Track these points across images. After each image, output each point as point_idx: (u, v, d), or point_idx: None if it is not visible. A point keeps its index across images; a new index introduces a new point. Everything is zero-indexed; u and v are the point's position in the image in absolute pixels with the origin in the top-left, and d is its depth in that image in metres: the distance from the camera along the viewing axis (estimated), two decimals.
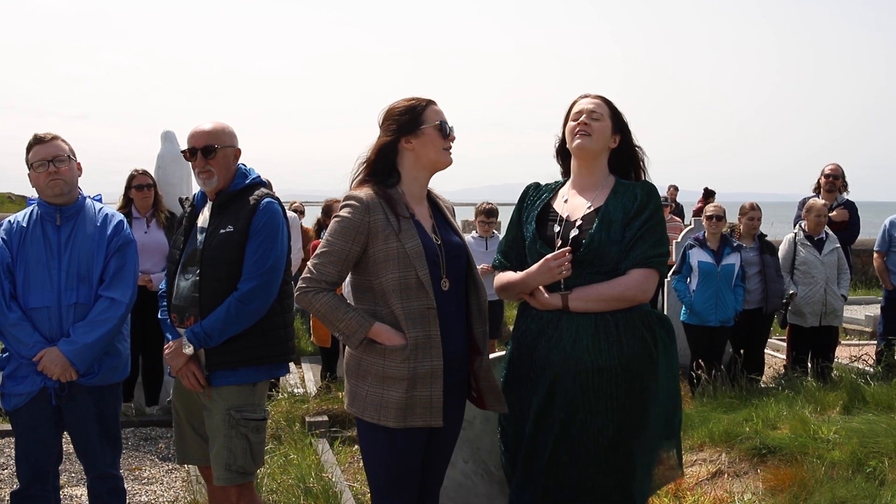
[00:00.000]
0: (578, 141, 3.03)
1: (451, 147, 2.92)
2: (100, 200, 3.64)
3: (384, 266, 2.75)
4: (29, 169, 3.46)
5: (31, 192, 3.57)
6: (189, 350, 3.15)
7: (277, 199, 3.32)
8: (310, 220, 9.05)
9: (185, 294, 3.20)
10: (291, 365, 8.05)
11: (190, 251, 3.25)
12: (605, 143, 3.06)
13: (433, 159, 2.88)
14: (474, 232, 7.57)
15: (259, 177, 3.35)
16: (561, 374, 2.93)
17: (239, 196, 3.24)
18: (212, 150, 3.22)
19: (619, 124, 3.08)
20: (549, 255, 2.95)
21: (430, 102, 2.90)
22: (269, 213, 3.19)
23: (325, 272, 2.77)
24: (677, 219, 11.56)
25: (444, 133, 2.87)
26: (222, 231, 3.17)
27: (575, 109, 3.09)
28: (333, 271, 2.77)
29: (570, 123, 3.08)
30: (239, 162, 3.34)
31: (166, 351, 3.26)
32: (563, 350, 2.94)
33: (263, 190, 3.29)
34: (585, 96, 3.12)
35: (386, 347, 2.74)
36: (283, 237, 3.23)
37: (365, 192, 2.79)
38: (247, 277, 3.12)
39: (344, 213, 2.79)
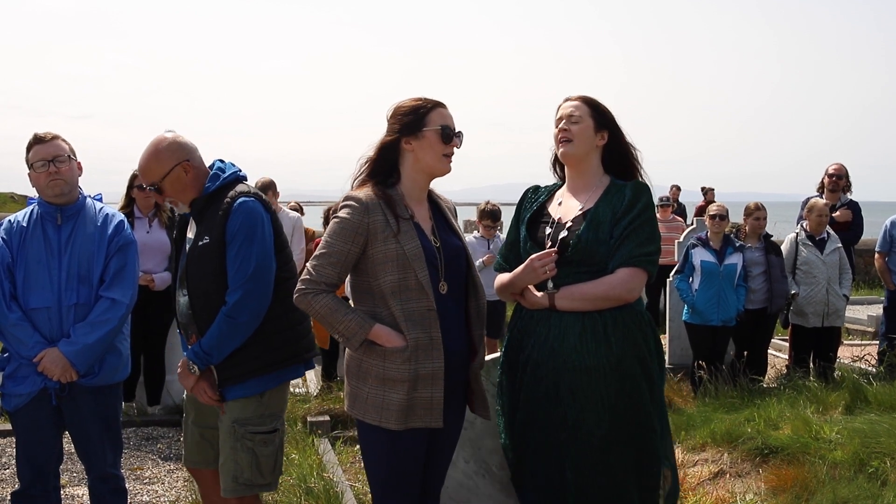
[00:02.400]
0: (562, 149, 3.04)
1: (451, 154, 2.85)
2: (100, 200, 3.62)
3: (383, 268, 2.73)
4: (29, 169, 3.45)
5: (33, 192, 3.56)
6: (195, 371, 3.07)
7: (256, 194, 3.12)
8: (308, 221, 9.05)
9: (184, 311, 3.14)
10: None
11: (182, 266, 3.16)
12: (589, 143, 3.03)
13: (430, 164, 2.84)
14: (476, 232, 7.55)
15: (236, 172, 3.18)
16: (549, 373, 2.92)
17: (213, 200, 3.09)
18: (156, 187, 3.11)
19: (602, 121, 3.04)
20: (533, 256, 2.95)
21: (438, 105, 2.85)
22: (243, 215, 3.01)
23: (324, 273, 2.74)
24: (679, 219, 11.53)
25: (446, 138, 2.82)
26: (200, 244, 3.05)
27: (557, 116, 3.08)
28: (333, 272, 2.75)
29: (554, 131, 3.07)
30: (216, 159, 3.21)
31: (178, 370, 3.16)
32: (550, 349, 2.93)
33: (238, 188, 3.10)
34: (567, 100, 3.09)
35: (386, 349, 2.72)
36: (262, 237, 3.04)
37: (364, 193, 2.77)
38: (231, 289, 2.99)
39: (343, 213, 2.77)
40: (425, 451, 2.84)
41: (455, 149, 2.87)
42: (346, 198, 2.80)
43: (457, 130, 2.86)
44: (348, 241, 2.74)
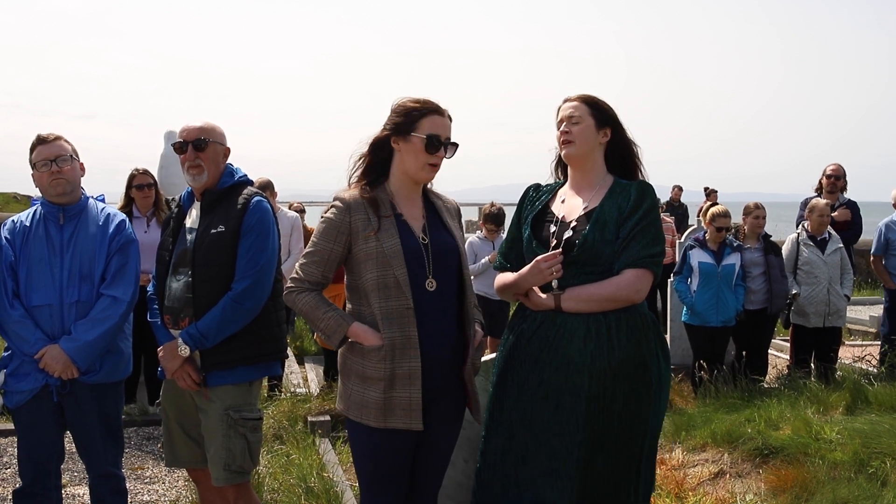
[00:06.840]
0: (564, 150, 3.04)
1: (437, 164, 2.83)
2: (103, 200, 3.66)
3: (364, 265, 2.76)
4: (32, 169, 3.49)
5: (37, 192, 3.58)
6: (185, 352, 3.16)
7: (266, 196, 3.33)
8: (310, 221, 9.07)
9: (179, 295, 3.20)
10: (295, 365, 8.08)
11: (180, 252, 3.24)
12: (592, 143, 3.02)
13: (411, 170, 2.83)
14: (480, 232, 7.53)
15: (246, 175, 3.37)
16: (551, 374, 2.91)
17: (227, 195, 3.26)
18: (202, 143, 3.23)
19: (603, 119, 3.03)
20: (539, 257, 2.94)
21: (433, 112, 2.82)
22: (260, 212, 3.20)
23: (308, 272, 2.81)
24: (668, 219, 11.42)
25: (430, 148, 2.79)
26: (213, 231, 3.17)
27: (557, 118, 3.08)
28: (317, 272, 2.80)
29: (556, 133, 3.07)
30: (228, 161, 3.35)
31: (160, 353, 3.26)
32: (554, 350, 2.91)
33: (251, 189, 3.30)
34: (566, 100, 3.08)
35: (364, 347, 2.75)
36: (274, 235, 3.25)
37: (349, 194, 2.82)
38: (240, 276, 3.14)
39: (328, 214, 2.83)
40: (410, 450, 2.83)
41: (444, 159, 2.84)
42: (334, 198, 2.86)
43: (451, 141, 2.84)
44: (331, 240, 2.78)
